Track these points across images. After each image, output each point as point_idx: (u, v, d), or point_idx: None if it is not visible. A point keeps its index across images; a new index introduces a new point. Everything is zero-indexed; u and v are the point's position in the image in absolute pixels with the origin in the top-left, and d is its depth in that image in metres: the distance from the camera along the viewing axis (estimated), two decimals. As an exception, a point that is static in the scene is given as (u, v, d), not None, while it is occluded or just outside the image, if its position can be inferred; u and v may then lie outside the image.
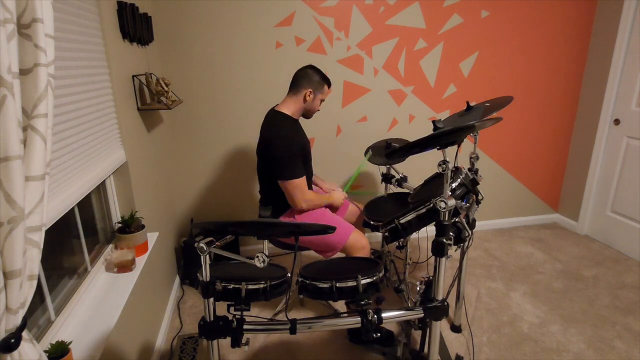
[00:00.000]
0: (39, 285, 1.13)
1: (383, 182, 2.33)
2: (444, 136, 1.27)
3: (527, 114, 3.04)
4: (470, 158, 1.83)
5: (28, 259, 0.73)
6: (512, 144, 3.10)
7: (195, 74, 2.49)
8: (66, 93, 1.21)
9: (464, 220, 1.41)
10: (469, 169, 1.64)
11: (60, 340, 1.03)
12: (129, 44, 1.84)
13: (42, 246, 0.76)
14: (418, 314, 1.40)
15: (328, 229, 1.17)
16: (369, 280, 1.34)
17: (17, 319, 0.71)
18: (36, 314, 1.12)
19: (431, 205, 1.32)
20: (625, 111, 2.74)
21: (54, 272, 1.25)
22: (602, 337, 2.01)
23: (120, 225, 1.61)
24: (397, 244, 2.01)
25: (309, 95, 1.87)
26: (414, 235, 1.72)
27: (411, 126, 2.90)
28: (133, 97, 1.85)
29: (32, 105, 0.72)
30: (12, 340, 0.70)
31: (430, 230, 1.36)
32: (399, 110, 2.84)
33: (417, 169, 2.78)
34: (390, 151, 2.24)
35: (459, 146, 1.40)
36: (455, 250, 1.50)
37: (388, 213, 2.06)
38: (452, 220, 1.35)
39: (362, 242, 1.88)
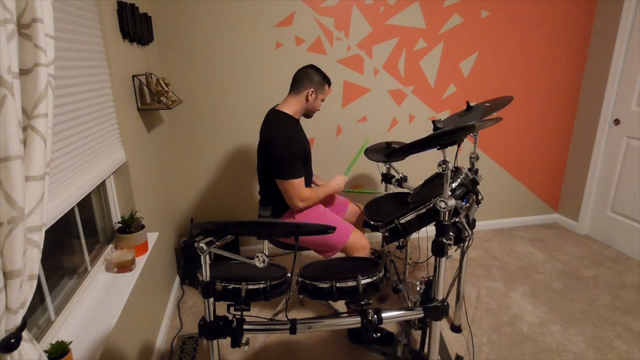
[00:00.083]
0: (39, 285, 1.13)
1: (383, 182, 2.33)
2: (444, 136, 1.27)
3: (527, 114, 3.04)
4: (470, 158, 1.83)
5: (28, 259, 0.73)
6: (512, 144, 3.10)
7: (195, 74, 2.49)
8: (66, 93, 1.21)
9: (464, 220, 1.41)
10: (469, 169, 1.64)
11: (60, 340, 1.03)
12: (129, 44, 1.84)
13: (42, 246, 0.76)
14: (418, 314, 1.40)
15: (328, 229, 1.17)
16: (369, 280, 1.34)
17: (17, 319, 0.71)
18: (36, 314, 1.12)
19: (431, 205, 1.32)
20: (625, 111, 2.74)
21: (54, 272, 1.25)
22: (602, 337, 2.01)
23: (120, 225, 1.61)
24: (397, 244, 2.01)
25: (311, 95, 1.87)
26: (414, 235, 1.72)
27: (411, 126, 2.90)
28: (133, 97, 1.85)
29: (32, 105, 0.72)
30: (12, 340, 0.70)
31: (430, 230, 1.36)
32: (399, 110, 2.84)
33: (417, 169, 2.78)
34: (390, 151, 2.24)
35: (459, 146, 1.40)
36: (455, 250, 1.50)
37: (388, 213, 2.06)
38: (452, 220, 1.35)
39: (362, 242, 1.88)
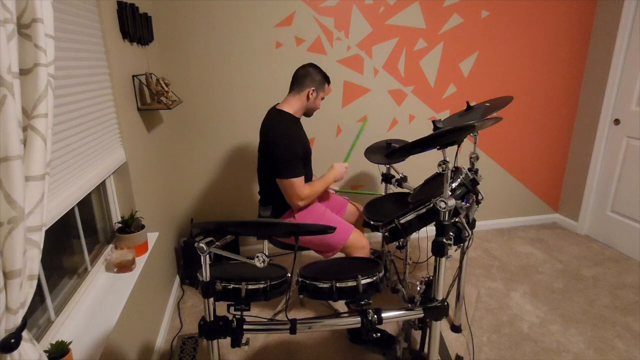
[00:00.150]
0: (39, 285, 1.13)
1: (383, 182, 2.33)
2: (444, 136, 1.27)
3: (527, 114, 3.04)
4: (470, 158, 1.83)
5: (28, 259, 0.73)
6: (512, 144, 3.10)
7: (195, 74, 2.49)
8: (66, 93, 1.21)
9: (464, 220, 1.41)
10: (469, 169, 1.64)
11: (60, 340, 1.03)
12: (129, 44, 1.84)
13: (42, 246, 0.76)
14: (418, 314, 1.40)
15: (328, 229, 1.17)
16: (368, 280, 1.34)
17: (17, 319, 0.71)
18: (36, 314, 1.12)
19: (431, 205, 1.32)
20: (625, 111, 2.74)
21: (54, 272, 1.25)
22: (602, 337, 2.01)
23: (120, 225, 1.61)
24: (397, 244, 2.01)
25: (312, 94, 1.87)
26: (414, 235, 1.72)
27: (411, 126, 2.90)
28: (133, 97, 1.85)
29: (32, 105, 0.72)
30: (12, 340, 0.70)
31: (430, 230, 1.36)
32: (399, 110, 2.84)
33: (417, 169, 2.78)
34: (390, 151, 2.24)
35: (459, 146, 1.40)
36: (455, 250, 1.50)
37: (388, 213, 2.06)
38: (452, 220, 1.35)
39: (362, 242, 1.88)
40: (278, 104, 1.94)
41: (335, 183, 2.06)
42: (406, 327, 1.99)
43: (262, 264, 1.13)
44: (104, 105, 1.51)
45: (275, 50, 2.54)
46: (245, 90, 2.58)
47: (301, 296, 2.33)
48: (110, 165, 1.52)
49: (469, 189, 1.46)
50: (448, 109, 2.91)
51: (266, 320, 1.44)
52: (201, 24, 2.41)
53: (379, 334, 1.89)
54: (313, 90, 1.87)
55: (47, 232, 0.79)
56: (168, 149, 2.56)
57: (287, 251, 2.14)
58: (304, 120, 1.98)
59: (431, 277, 1.41)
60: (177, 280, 2.53)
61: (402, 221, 1.41)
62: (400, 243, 2.04)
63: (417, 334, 1.84)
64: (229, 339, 1.28)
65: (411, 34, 2.68)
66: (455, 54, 2.78)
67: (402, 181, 2.23)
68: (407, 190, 2.22)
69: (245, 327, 1.28)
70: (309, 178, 1.99)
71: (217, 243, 1.20)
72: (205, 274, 1.20)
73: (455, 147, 1.39)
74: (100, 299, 1.35)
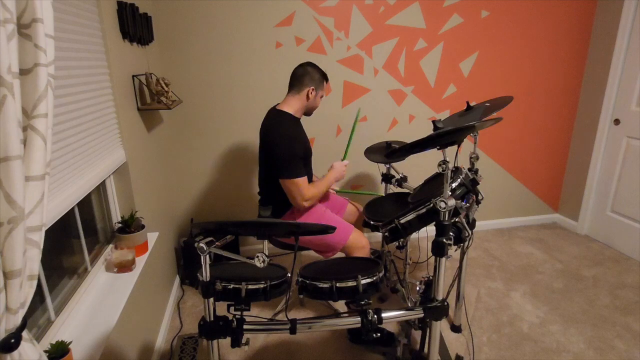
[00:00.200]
0: (39, 285, 1.13)
1: (383, 182, 2.33)
2: (444, 136, 1.27)
3: (527, 114, 3.04)
4: (470, 158, 1.83)
5: (28, 259, 0.73)
6: (512, 144, 3.10)
7: (195, 74, 2.49)
8: (66, 93, 1.21)
9: (464, 220, 1.41)
10: (469, 169, 1.64)
11: (60, 340, 1.03)
12: (129, 44, 1.84)
13: (42, 246, 0.76)
14: (418, 314, 1.40)
15: (328, 229, 1.17)
16: (368, 280, 1.34)
17: (17, 319, 0.71)
18: (36, 314, 1.12)
19: (431, 205, 1.32)
20: (625, 111, 2.74)
21: (54, 272, 1.25)
22: (602, 337, 2.01)
23: (120, 225, 1.61)
24: (397, 244, 2.01)
25: (311, 93, 1.86)
26: (414, 235, 1.72)
27: (411, 126, 2.90)
28: (133, 97, 1.85)
29: (32, 105, 0.72)
30: (12, 340, 0.70)
31: (430, 230, 1.36)
32: (399, 110, 2.84)
33: (417, 169, 2.78)
34: (390, 151, 2.24)
35: (459, 146, 1.40)
36: (455, 250, 1.50)
37: (388, 213, 2.06)
38: (452, 220, 1.35)
39: (362, 242, 1.88)
40: (278, 104, 1.93)
41: (336, 183, 2.05)
42: (406, 327, 1.99)
43: (262, 264, 1.13)
44: (104, 105, 1.51)
45: (275, 50, 2.54)
46: (245, 90, 2.58)
47: (301, 296, 2.33)
48: (110, 165, 1.52)
49: (469, 189, 1.46)
50: (448, 109, 2.91)
51: (266, 320, 1.44)
52: (201, 24, 2.41)
53: (378, 334, 1.89)
54: (312, 89, 1.86)
55: (47, 232, 0.79)
56: (168, 149, 2.56)
57: (287, 251, 2.14)
58: (304, 121, 1.98)
59: (431, 277, 1.41)
60: (177, 280, 2.53)
61: (402, 221, 1.41)
62: (400, 243, 2.04)
63: (417, 334, 1.84)
64: (229, 339, 1.28)
65: (411, 34, 2.68)
66: (455, 54, 2.78)
67: (402, 181, 2.23)
68: (407, 190, 2.22)
69: (245, 327, 1.28)
70: (309, 179, 1.99)
71: (217, 243, 1.20)
72: (205, 274, 1.20)
73: (455, 147, 1.39)
74: (100, 299, 1.35)
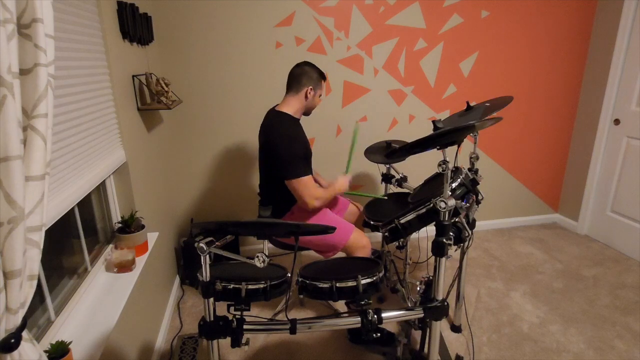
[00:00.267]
0: (39, 285, 1.13)
1: (383, 182, 2.33)
2: (444, 136, 1.27)
3: (527, 114, 3.04)
4: (470, 158, 1.83)
5: (28, 259, 0.73)
6: (512, 144, 3.10)
7: (195, 74, 2.49)
8: (66, 93, 1.21)
9: (464, 220, 1.41)
10: (469, 169, 1.65)
11: (60, 340, 1.03)
12: (129, 44, 1.84)
13: (42, 246, 0.76)
14: (418, 314, 1.40)
15: (328, 229, 1.17)
16: (368, 280, 1.34)
17: (17, 319, 0.71)
18: (36, 314, 1.12)
19: (431, 205, 1.32)
20: (625, 111, 2.74)
21: (54, 272, 1.25)
22: (602, 337, 2.01)
23: (120, 225, 1.61)
24: (397, 244, 2.01)
25: (310, 93, 1.85)
26: (414, 235, 1.72)
27: (411, 126, 2.90)
28: (133, 97, 1.85)
29: (32, 105, 0.72)
30: (12, 340, 0.70)
31: (430, 230, 1.36)
32: (399, 110, 2.84)
33: (417, 169, 2.78)
34: (390, 151, 2.24)
35: (459, 146, 1.40)
36: (455, 250, 1.50)
37: (388, 213, 2.06)
38: (452, 220, 1.35)
39: (362, 242, 1.88)
40: (277, 105, 1.93)
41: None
42: (406, 327, 1.99)
43: (262, 264, 1.13)
44: (104, 105, 1.51)
45: (275, 50, 2.54)
46: (245, 90, 2.58)
47: (301, 296, 2.33)
48: (110, 165, 1.52)
49: (469, 189, 1.46)
50: (448, 109, 2.91)
51: (266, 320, 1.44)
52: (201, 24, 2.41)
53: (378, 334, 1.89)
54: (311, 89, 1.85)
55: (47, 232, 0.79)
56: (168, 149, 2.56)
57: (287, 251, 2.14)
58: (303, 121, 1.98)
59: (431, 277, 1.41)
60: (177, 280, 2.53)
61: (402, 221, 1.41)
62: (400, 243, 2.05)
63: (417, 334, 1.84)
64: (229, 339, 1.28)
65: (411, 34, 2.68)
66: (455, 54, 2.78)
67: (402, 181, 2.23)
68: (407, 190, 2.22)
69: (245, 327, 1.28)
70: (309, 178, 1.98)
71: (217, 243, 1.20)
72: (205, 274, 1.20)
73: (455, 147, 1.39)
74: (100, 299, 1.35)
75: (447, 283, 1.41)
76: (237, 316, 1.29)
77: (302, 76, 1.84)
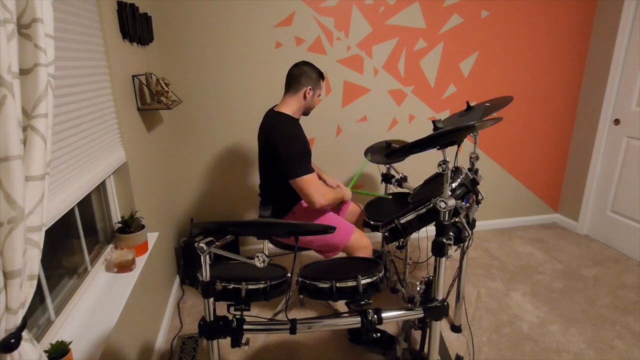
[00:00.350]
0: (39, 285, 1.13)
1: (383, 182, 2.33)
2: (444, 136, 1.27)
3: (527, 114, 3.04)
4: (470, 158, 1.83)
5: (28, 259, 0.73)
6: (512, 143, 3.10)
7: (195, 74, 2.49)
8: (66, 93, 1.21)
9: (464, 220, 1.41)
10: (469, 169, 1.64)
11: (60, 340, 1.03)
12: (129, 44, 1.84)
13: (42, 246, 0.76)
14: (418, 314, 1.40)
15: (328, 229, 1.17)
16: (368, 280, 1.34)
17: (17, 319, 0.71)
18: (36, 314, 1.12)
19: (431, 205, 1.32)
20: (625, 111, 2.74)
21: (54, 272, 1.25)
22: (602, 337, 2.01)
23: (120, 225, 1.61)
24: (397, 244, 2.01)
25: (309, 93, 1.85)
26: (414, 235, 1.72)
27: (411, 126, 2.90)
28: (133, 97, 1.85)
29: (32, 105, 0.72)
30: (12, 340, 0.70)
31: (430, 230, 1.36)
32: (399, 110, 2.84)
33: (417, 169, 2.78)
34: (390, 151, 2.24)
35: (459, 146, 1.40)
36: (455, 250, 1.50)
37: (388, 213, 2.06)
38: (452, 220, 1.35)
39: (363, 242, 1.88)
40: (276, 105, 1.92)
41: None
42: (406, 327, 1.99)
43: (262, 264, 1.13)
44: (104, 105, 1.51)
45: (275, 50, 2.54)
46: (246, 90, 2.58)
47: (301, 296, 2.33)
48: (110, 165, 1.52)
49: (469, 189, 1.46)
50: (448, 109, 2.91)
51: (266, 320, 1.44)
52: (201, 24, 2.41)
53: (379, 334, 1.89)
54: (310, 89, 1.84)
55: (47, 232, 0.79)
56: (168, 149, 2.56)
57: (287, 251, 2.14)
58: (303, 121, 1.97)
59: (431, 277, 1.41)
60: (177, 280, 2.53)
61: (402, 221, 1.41)
62: (400, 243, 2.05)
63: (417, 334, 1.84)
64: (229, 339, 1.28)
65: (411, 34, 2.68)
66: (455, 54, 2.78)
67: (402, 181, 2.23)
68: (407, 190, 2.22)
69: (245, 327, 1.28)
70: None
71: (217, 243, 1.20)
72: (205, 274, 1.20)
73: (455, 147, 1.39)
74: (100, 299, 1.35)
75: (447, 283, 1.41)
76: (237, 316, 1.29)
77: (301, 76, 1.83)
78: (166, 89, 2.00)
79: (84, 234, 1.44)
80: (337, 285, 1.33)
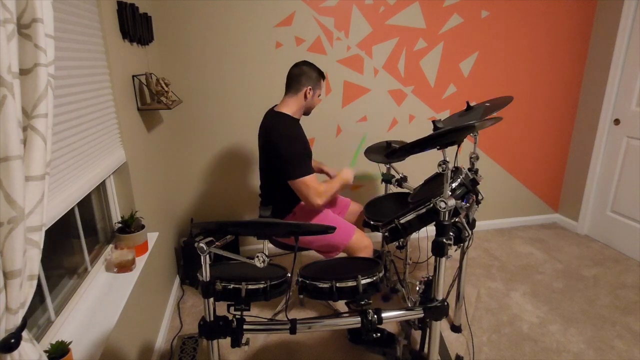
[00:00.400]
0: (39, 285, 1.13)
1: (383, 182, 2.33)
2: (444, 136, 1.27)
3: (527, 114, 3.04)
4: (470, 158, 1.83)
5: (28, 259, 0.73)
6: (512, 143, 3.10)
7: (195, 73, 2.49)
8: (66, 93, 1.21)
9: (464, 220, 1.41)
10: (469, 169, 1.64)
11: (60, 340, 1.03)
12: (129, 44, 1.84)
13: (42, 246, 0.76)
14: (418, 314, 1.40)
15: (328, 229, 1.17)
16: (368, 280, 1.34)
17: (17, 319, 0.71)
18: (36, 314, 1.12)
19: (431, 205, 1.32)
20: (625, 111, 2.74)
21: (54, 272, 1.25)
22: (602, 337, 2.01)
23: (120, 225, 1.61)
24: (397, 244, 2.01)
25: (309, 93, 1.84)
26: (414, 235, 1.72)
27: (411, 126, 2.90)
28: (133, 97, 1.85)
29: (32, 105, 0.72)
30: (12, 340, 0.70)
31: (430, 230, 1.36)
32: (399, 110, 2.84)
33: (417, 169, 2.78)
34: (390, 151, 2.24)
35: (459, 146, 1.40)
36: (455, 250, 1.50)
37: (388, 213, 2.06)
38: (452, 220, 1.35)
39: (364, 242, 1.88)
40: (276, 105, 1.92)
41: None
42: (406, 327, 1.99)
43: (262, 264, 1.13)
44: (104, 105, 1.51)
45: (275, 50, 2.54)
46: (246, 90, 2.58)
47: (301, 296, 2.33)
48: (110, 165, 1.52)
49: (469, 189, 1.46)
50: (448, 109, 2.91)
51: (266, 320, 1.44)
52: (201, 24, 2.41)
53: (378, 334, 1.89)
54: (310, 89, 1.84)
55: (47, 232, 0.79)
56: (168, 149, 2.56)
57: (287, 251, 2.14)
58: (303, 121, 1.97)
59: (431, 277, 1.41)
60: (177, 280, 2.53)
61: (402, 221, 1.41)
62: (400, 243, 2.04)
63: (417, 334, 1.84)
64: (229, 339, 1.28)
65: (411, 34, 2.68)
66: (455, 54, 2.78)
67: (402, 181, 2.23)
68: (407, 190, 2.22)
69: (245, 327, 1.28)
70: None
71: (217, 243, 1.20)
72: (205, 274, 1.20)
73: (455, 147, 1.39)
74: (100, 299, 1.35)
75: (447, 283, 1.41)
76: (237, 316, 1.28)
77: (301, 76, 1.83)
78: (166, 89, 2.00)
79: (84, 234, 1.44)
80: (337, 285, 1.33)
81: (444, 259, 1.35)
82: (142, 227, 1.65)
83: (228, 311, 1.28)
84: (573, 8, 2.82)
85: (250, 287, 1.27)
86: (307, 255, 2.49)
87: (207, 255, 1.18)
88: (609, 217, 2.94)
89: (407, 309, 1.41)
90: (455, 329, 2.07)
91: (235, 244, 2.78)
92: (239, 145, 2.69)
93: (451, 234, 1.33)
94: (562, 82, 3.00)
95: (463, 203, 1.40)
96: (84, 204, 1.49)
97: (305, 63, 1.87)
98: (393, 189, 2.32)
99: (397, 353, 1.82)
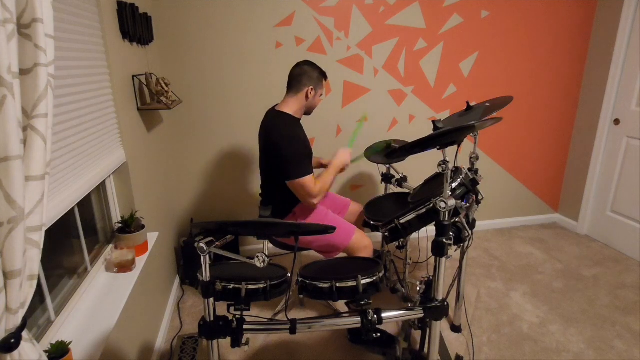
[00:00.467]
0: (39, 285, 1.13)
1: (383, 182, 2.33)
2: (444, 136, 1.27)
3: (527, 114, 3.04)
4: (470, 158, 1.83)
5: (28, 259, 0.73)
6: (512, 144, 3.10)
7: (195, 74, 2.49)
8: (66, 93, 1.21)
9: (464, 220, 1.41)
10: (469, 169, 1.64)
11: (60, 340, 1.03)
12: (129, 44, 1.84)
13: (42, 246, 0.76)
14: (418, 314, 1.40)
15: (328, 229, 1.17)
16: (368, 280, 1.34)
17: (17, 319, 0.71)
18: (36, 314, 1.12)
19: (431, 205, 1.32)
20: (625, 111, 2.74)
21: (54, 272, 1.25)
22: (602, 337, 2.01)
23: (120, 225, 1.61)
24: (397, 244, 2.01)
25: (310, 93, 1.84)
26: (414, 235, 1.72)
27: (411, 126, 2.90)
28: (133, 97, 1.85)
29: (32, 105, 0.72)
30: (12, 340, 0.70)
31: (430, 230, 1.36)
32: (399, 110, 2.84)
33: (417, 169, 2.78)
34: (390, 151, 2.24)
35: (459, 146, 1.40)
36: (455, 250, 1.50)
37: (388, 213, 2.06)
38: (452, 220, 1.35)
39: (364, 242, 1.88)
40: (277, 105, 1.92)
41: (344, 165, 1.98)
42: (406, 327, 1.99)
43: (262, 264, 1.13)
44: (104, 105, 1.51)
45: (275, 50, 2.54)
46: (246, 90, 2.58)
47: (301, 296, 2.33)
48: (110, 165, 1.52)
49: (469, 189, 1.46)
50: (448, 109, 2.91)
51: (266, 320, 1.44)
52: (201, 24, 2.41)
53: (379, 334, 1.89)
54: (311, 89, 1.84)
55: (47, 232, 0.79)
56: (168, 149, 2.56)
57: (287, 251, 2.14)
58: (303, 121, 1.97)
59: (431, 277, 1.41)
60: (177, 280, 2.53)
61: (402, 221, 1.41)
62: (400, 243, 2.05)
63: (417, 334, 1.84)
64: (229, 339, 1.28)
65: (411, 34, 2.68)
66: (455, 54, 2.78)
67: (402, 181, 2.23)
68: (407, 190, 2.22)
69: (245, 327, 1.28)
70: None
71: (217, 243, 1.20)
72: (205, 274, 1.20)
73: (455, 147, 1.39)
74: (100, 299, 1.35)
75: (447, 283, 1.41)
76: (237, 316, 1.29)
77: (303, 76, 1.83)
78: (166, 89, 2.00)
79: (84, 234, 1.44)
80: (337, 285, 1.33)
81: (444, 259, 1.35)
82: (142, 227, 1.65)
83: (228, 311, 1.28)
84: (573, 8, 2.82)
85: (250, 287, 1.27)
86: (307, 255, 2.49)
87: (207, 255, 1.18)
88: (609, 217, 2.94)
89: (407, 309, 1.41)
90: (455, 329, 2.07)
91: (235, 244, 2.78)
92: (239, 145, 2.69)
93: (451, 234, 1.33)
94: (562, 82, 3.00)
95: (463, 203, 1.40)
96: (84, 204, 1.49)
97: (306, 63, 1.86)
98: (393, 189, 2.32)
99: (397, 353, 1.82)
